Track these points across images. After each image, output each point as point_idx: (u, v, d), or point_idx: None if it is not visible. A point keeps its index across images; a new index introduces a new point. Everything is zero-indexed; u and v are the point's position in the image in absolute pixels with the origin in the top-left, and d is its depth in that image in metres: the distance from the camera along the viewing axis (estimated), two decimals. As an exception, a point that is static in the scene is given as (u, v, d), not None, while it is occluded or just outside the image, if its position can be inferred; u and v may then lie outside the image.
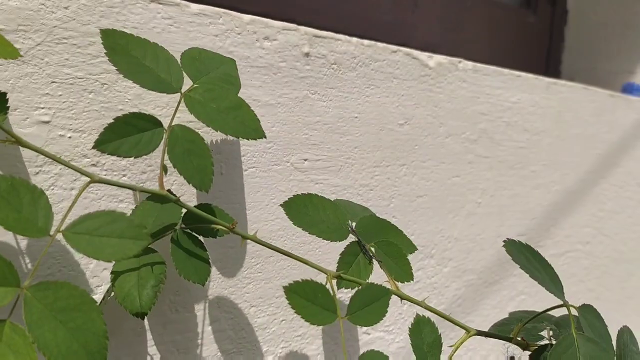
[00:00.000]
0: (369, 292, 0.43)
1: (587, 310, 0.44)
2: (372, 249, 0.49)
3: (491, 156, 0.79)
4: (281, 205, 0.47)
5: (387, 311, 0.42)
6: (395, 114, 0.65)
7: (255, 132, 0.40)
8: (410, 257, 0.67)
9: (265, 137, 0.42)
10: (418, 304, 0.48)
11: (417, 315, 0.46)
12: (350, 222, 0.49)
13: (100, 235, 0.31)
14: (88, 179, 0.35)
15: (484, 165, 0.78)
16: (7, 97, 0.35)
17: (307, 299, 0.39)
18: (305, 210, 0.47)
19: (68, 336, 0.27)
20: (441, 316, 0.48)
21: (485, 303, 0.80)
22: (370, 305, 0.42)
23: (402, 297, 0.47)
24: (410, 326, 0.45)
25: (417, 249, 0.60)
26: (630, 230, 1.10)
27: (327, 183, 0.59)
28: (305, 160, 0.57)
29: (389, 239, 0.51)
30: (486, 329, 0.50)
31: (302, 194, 0.48)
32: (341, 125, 0.60)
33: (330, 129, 0.59)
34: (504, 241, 0.44)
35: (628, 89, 1.19)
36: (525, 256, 0.43)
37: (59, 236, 0.31)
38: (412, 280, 0.51)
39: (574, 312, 0.43)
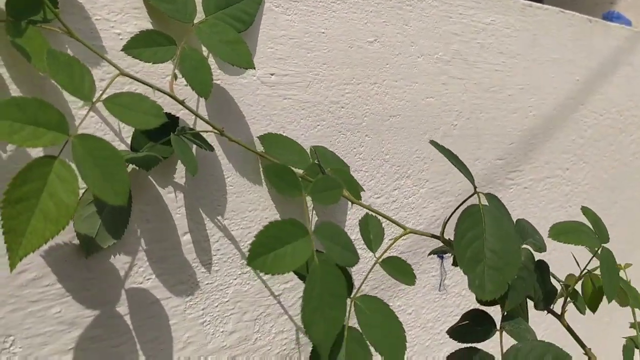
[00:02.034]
0: (328, 181, 0.47)
1: (492, 197, 0.48)
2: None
3: (466, 78, 0.79)
4: (258, 137, 0.55)
5: (338, 199, 0.46)
6: (364, 30, 0.65)
7: (247, 63, 0.49)
8: (386, 175, 0.68)
9: (254, 69, 0.51)
10: (364, 207, 0.53)
11: (366, 213, 0.54)
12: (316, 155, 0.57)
13: (131, 108, 0.39)
14: (117, 72, 0.43)
15: (458, 86, 0.78)
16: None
17: (280, 178, 0.46)
18: (276, 144, 0.56)
19: (101, 176, 0.34)
20: (382, 216, 0.53)
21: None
22: (327, 191, 0.47)
23: (352, 201, 0.53)
24: (359, 221, 0.54)
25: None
26: (612, 158, 1.11)
27: (295, 99, 0.59)
28: (272, 74, 0.57)
29: (344, 169, 0.59)
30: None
31: (275, 133, 0.57)
32: (308, 40, 0.60)
33: (297, 43, 0.59)
34: (430, 141, 0.51)
35: (608, 17, 1.18)
36: (449, 152, 0.49)
37: (99, 104, 0.40)
38: (360, 198, 0.57)
39: (483, 199, 0.48)
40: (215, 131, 0.48)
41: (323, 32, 0.61)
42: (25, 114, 0.33)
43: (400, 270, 0.49)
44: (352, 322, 0.44)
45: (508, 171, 0.88)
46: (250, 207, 0.56)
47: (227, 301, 0.55)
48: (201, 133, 0.49)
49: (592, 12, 1.24)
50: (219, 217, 0.54)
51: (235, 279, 0.56)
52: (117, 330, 0.48)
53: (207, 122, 0.48)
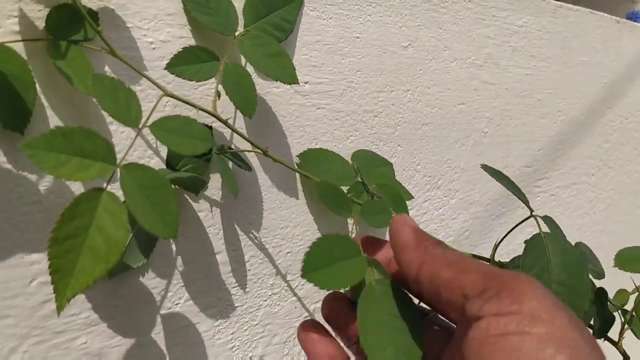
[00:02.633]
0: (377, 206, 0.45)
1: (549, 220, 0.46)
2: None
3: (497, 83, 0.75)
4: (297, 155, 0.53)
5: (388, 224, 0.43)
6: (398, 35, 0.61)
7: (292, 77, 0.46)
8: (417, 187, 0.65)
9: (298, 84, 0.47)
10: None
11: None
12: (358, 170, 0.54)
13: (178, 133, 0.37)
14: (162, 92, 0.40)
15: (489, 92, 0.74)
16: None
17: (333, 196, 0.45)
18: (317, 161, 0.53)
19: (151, 207, 0.33)
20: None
21: (492, 235, 0.78)
22: (378, 215, 0.45)
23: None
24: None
25: (413, 197, 0.59)
26: (636, 162, 1.08)
27: (329, 108, 0.56)
28: (306, 83, 0.53)
29: (388, 183, 0.54)
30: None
31: (315, 148, 0.54)
32: (342, 46, 0.56)
33: (331, 49, 0.55)
34: (481, 165, 0.49)
35: (632, 17, 1.14)
36: (500, 175, 0.47)
37: (145, 130, 0.39)
38: (407, 208, 0.52)
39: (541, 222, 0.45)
40: (259, 151, 0.45)
41: (358, 37, 0.57)
42: (71, 145, 0.31)
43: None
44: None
45: (536, 179, 0.85)
46: (282, 224, 0.53)
47: (256, 324, 0.52)
48: (243, 152, 0.47)
49: (615, 11, 1.20)
50: (251, 235, 0.51)
51: (265, 300, 0.53)
52: (146, 359, 0.45)
53: (251, 143, 0.45)
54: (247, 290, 0.51)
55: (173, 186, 0.43)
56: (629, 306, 0.54)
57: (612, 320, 0.47)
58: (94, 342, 0.42)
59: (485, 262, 0.48)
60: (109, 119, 0.41)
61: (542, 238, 0.41)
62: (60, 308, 0.30)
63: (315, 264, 0.35)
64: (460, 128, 0.71)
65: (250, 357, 0.52)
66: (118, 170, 0.33)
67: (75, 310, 0.41)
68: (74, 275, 0.30)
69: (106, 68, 0.40)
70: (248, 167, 0.47)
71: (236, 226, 0.50)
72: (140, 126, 0.35)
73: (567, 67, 0.87)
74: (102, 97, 0.34)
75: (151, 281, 0.45)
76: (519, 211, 0.82)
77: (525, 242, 0.42)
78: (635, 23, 1.05)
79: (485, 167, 0.45)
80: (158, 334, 0.45)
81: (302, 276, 0.34)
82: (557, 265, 0.40)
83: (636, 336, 0.52)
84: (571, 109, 0.89)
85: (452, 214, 0.72)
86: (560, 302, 0.26)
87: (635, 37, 1.01)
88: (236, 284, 0.50)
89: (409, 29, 0.62)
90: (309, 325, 0.34)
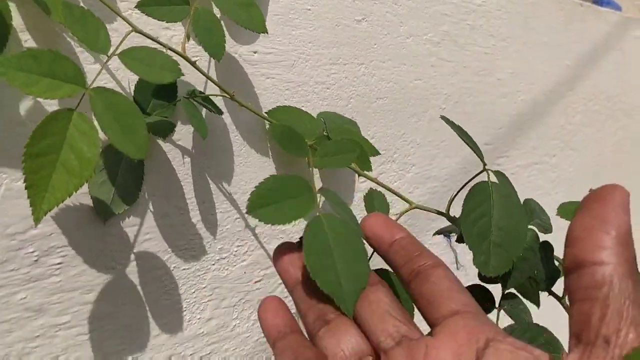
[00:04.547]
0: (337, 145, 0.46)
1: (501, 174, 0.46)
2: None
3: (455, 61, 0.77)
4: (266, 112, 0.54)
5: (349, 163, 0.46)
6: (351, 8, 0.62)
7: (260, 26, 0.48)
8: (371, 159, 0.66)
9: (267, 33, 0.49)
10: (370, 179, 0.51)
11: (370, 189, 0.54)
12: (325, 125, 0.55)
13: (146, 63, 0.39)
14: (131, 29, 0.42)
15: (447, 69, 0.76)
16: None
17: (286, 137, 0.45)
18: (285, 116, 0.54)
19: (121, 130, 0.35)
20: (389, 190, 0.51)
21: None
22: (336, 156, 0.45)
23: (359, 174, 0.52)
24: (364, 196, 0.54)
25: (380, 153, 0.60)
26: (598, 144, 1.11)
27: (279, 78, 0.57)
28: (255, 52, 0.54)
29: (355, 138, 0.56)
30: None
31: (284, 105, 0.56)
32: (293, 17, 0.57)
33: (281, 20, 0.56)
34: (441, 116, 0.50)
35: (598, 2, 1.16)
36: (459, 128, 0.48)
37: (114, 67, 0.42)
38: (371, 170, 0.55)
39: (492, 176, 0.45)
40: (226, 95, 0.47)
41: (309, 9, 0.58)
42: (40, 66, 0.33)
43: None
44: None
45: (496, 156, 0.87)
46: (233, 189, 0.54)
47: (204, 287, 0.53)
48: (211, 97, 0.49)
49: (584, -4, 1.22)
50: (199, 199, 0.52)
51: (214, 264, 0.54)
52: (87, 318, 0.46)
53: (218, 86, 0.47)
54: (194, 253, 0.52)
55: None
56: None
57: (557, 274, 0.49)
58: (34, 297, 0.43)
59: (441, 215, 0.50)
60: (80, 49, 0.43)
61: (489, 186, 0.43)
62: (37, 220, 0.32)
63: (261, 202, 0.36)
64: (417, 103, 0.72)
65: (199, 319, 0.53)
66: (87, 94, 0.35)
67: (14, 266, 0.42)
68: (49, 190, 0.32)
69: (81, 4, 0.42)
70: (219, 111, 0.49)
71: (184, 190, 0.51)
72: (109, 54, 0.38)
73: (527, 47, 0.88)
74: (72, 24, 0.36)
75: (95, 241, 0.46)
76: (477, 188, 0.83)
77: (471, 187, 0.43)
78: (600, 7, 1.06)
79: (444, 119, 0.47)
80: (101, 293, 0.46)
81: (247, 212, 0.35)
82: (498, 212, 0.42)
83: None
84: (532, 90, 0.91)
85: (409, 187, 0.73)
86: None
87: (599, 20, 1.03)
88: (185, 247, 0.51)
89: (362, 2, 0.63)
90: (270, 298, 0.36)
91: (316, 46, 0.59)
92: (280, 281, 0.59)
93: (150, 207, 0.49)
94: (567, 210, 0.50)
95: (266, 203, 0.36)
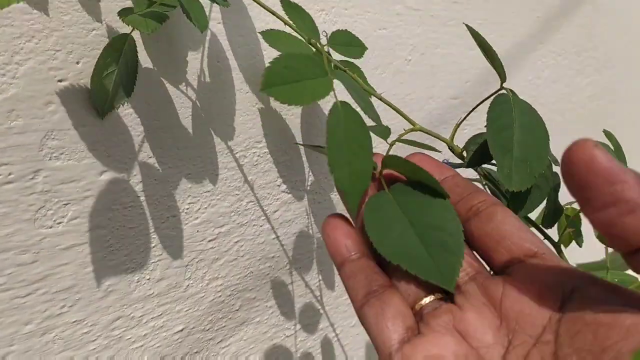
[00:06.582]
0: (349, 37, 0.50)
1: (517, 97, 0.44)
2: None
3: (422, 9, 0.73)
4: (260, 33, 0.50)
5: (362, 55, 0.49)
6: (310, -51, 0.58)
7: None
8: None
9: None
10: (375, 95, 0.48)
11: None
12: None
13: None
14: None
15: (414, 18, 0.72)
16: None
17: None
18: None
19: None
20: (394, 109, 0.49)
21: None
22: (350, 46, 0.49)
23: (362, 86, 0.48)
24: None
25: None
26: (567, 100, 1.09)
27: (230, 24, 0.53)
28: (204, -6, 0.50)
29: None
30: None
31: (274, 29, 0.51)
32: (246, -44, 0.53)
33: (233, -41, 0.52)
34: (464, 23, 0.47)
35: (573, -47, 1.13)
36: (480, 38, 0.45)
37: None
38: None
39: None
40: None
41: (263, -52, 0.54)
42: None
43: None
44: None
45: (463, 111, 0.85)
46: (181, 143, 0.51)
47: (154, 246, 0.51)
48: None
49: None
50: (145, 154, 0.48)
51: (163, 222, 0.51)
52: (23, 281, 0.43)
53: None
54: (141, 211, 0.49)
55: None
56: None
57: (560, 211, 0.47)
58: (-39, 259, 0.40)
59: (444, 141, 0.47)
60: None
61: (510, 99, 0.41)
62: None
63: (275, 80, 0.33)
64: (381, 54, 0.69)
65: (148, 279, 0.51)
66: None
67: None
68: None
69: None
70: (226, 2, 0.44)
71: (127, 144, 0.47)
72: None
73: (497, -3, 0.85)
74: None
75: (29, 201, 0.42)
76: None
77: (493, 99, 0.41)
78: (573, -43, 1.03)
79: (468, 27, 0.44)
80: (37, 254, 0.43)
81: (261, 90, 0.33)
82: (520, 126, 0.40)
83: (577, 243, 0.54)
84: (501, 42, 0.88)
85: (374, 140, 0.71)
86: None
87: (572, -29, 1.00)
88: (130, 204, 0.48)
89: (322, -57, 0.59)
90: (338, 216, 0.35)
91: (272, -11, 0.55)
92: (237, 240, 0.56)
93: (93, 161, 0.45)
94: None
95: (282, 82, 0.33)
